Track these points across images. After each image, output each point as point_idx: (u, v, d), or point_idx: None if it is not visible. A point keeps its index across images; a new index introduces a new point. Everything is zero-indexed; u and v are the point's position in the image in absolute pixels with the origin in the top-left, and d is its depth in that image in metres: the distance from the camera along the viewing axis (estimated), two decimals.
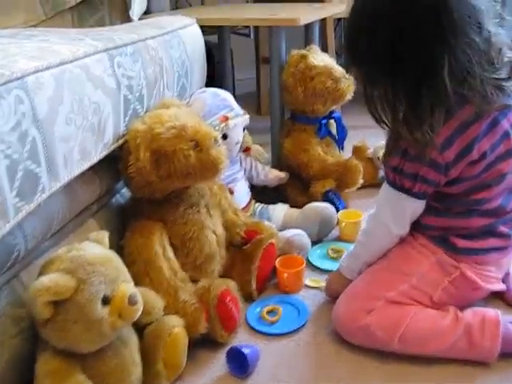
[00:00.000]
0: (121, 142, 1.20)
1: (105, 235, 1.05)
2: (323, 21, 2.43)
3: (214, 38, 2.35)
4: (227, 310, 1.20)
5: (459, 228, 1.14)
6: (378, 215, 1.21)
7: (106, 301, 0.94)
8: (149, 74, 1.28)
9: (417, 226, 1.19)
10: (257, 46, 2.77)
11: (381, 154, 1.92)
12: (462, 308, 1.16)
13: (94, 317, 0.92)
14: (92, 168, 1.12)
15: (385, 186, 1.18)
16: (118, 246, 1.19)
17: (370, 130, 2.10)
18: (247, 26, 2.60)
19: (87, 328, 0.92)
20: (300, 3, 2.16)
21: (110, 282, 0.95)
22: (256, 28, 2.66)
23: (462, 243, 1.14)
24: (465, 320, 1.12)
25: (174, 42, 1.45)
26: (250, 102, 2.77)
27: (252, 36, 2.71)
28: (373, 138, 2.03)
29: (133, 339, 1.05)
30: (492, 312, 1.13)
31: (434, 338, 1.11)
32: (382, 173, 2.00)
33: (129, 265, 1.11)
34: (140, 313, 0.99)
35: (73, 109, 0.99)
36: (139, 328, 1.09)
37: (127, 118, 1.20)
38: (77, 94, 1.01)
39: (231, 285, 1.24)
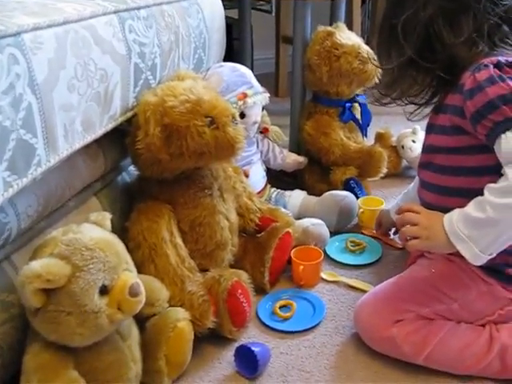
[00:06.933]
0: (129, 114, 1.11)
1: (106, 217, 0.95)
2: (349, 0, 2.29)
3: (232, 13, 2.26)
4: (238, 304, 1.12)
5: None
6: None
7: (104, 291, 0.85)
8: (163, 42, 1.17)
9: None
10: (277, 23, 2.66)
11: (405, 142, 1.82)
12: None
13: (89, 308, 0.83)
14: (96, 142, 1.05)
15: None
16: (122, 228, 1.12)
17: (394, 117, 2.02)
18: (269, 1, 2.47)
19: (81, 320, 0.83)
20: None
21: (110, 270, 0.86)
22: (278, 4, 2.54)
23: None
24: (501, 340, 1.01)
25: (193, 10, 1.33)
26: (267, 82, 2.67)
27: (273, 13, 2.57)
28: (396, 126, 1.93)
29: (133, 333, 0.96)
30: None
31: (464, 360, 1.01)
32: (404, 162, 1.89)
33: (132, 250, 1.07)
34: (142, 305, 0.90)
35: (76, 74, 0.90)
36: (140, 320, 1.00)
37: (137, 89, 1.10)
38: (81, 57, 0.91)
39: (243, 276, 1.16)
